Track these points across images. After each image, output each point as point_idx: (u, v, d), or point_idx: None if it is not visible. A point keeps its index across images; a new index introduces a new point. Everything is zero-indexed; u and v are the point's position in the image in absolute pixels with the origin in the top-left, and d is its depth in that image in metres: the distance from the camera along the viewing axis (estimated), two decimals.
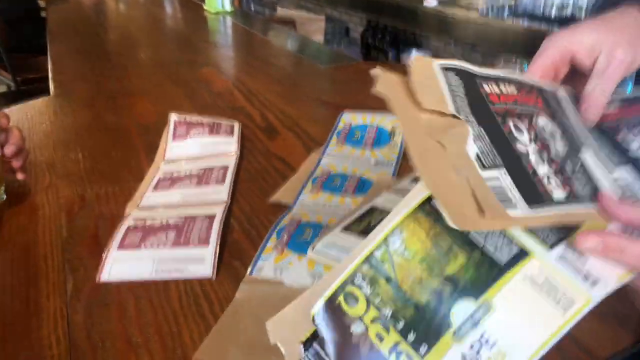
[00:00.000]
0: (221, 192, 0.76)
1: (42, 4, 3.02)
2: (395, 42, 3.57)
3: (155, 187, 0.79)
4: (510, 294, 0.35)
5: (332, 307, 0.39)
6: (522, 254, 0.36)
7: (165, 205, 0.74)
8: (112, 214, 0.73)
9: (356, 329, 0.38)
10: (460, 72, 0.43)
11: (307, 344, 0.39)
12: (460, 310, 0.35)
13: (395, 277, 0.38)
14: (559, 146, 0.43)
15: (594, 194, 0.41)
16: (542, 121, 0.44)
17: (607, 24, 0.50)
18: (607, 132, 0.49)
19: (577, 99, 0.50)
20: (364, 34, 3.79)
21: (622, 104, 0.52)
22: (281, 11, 3.69)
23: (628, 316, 0.52)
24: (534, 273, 0.35)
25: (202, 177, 0.80)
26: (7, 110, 0.96)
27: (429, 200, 0.38)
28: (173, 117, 0.93)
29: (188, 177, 0.81)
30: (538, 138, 0.42)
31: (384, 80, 0.41)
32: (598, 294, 0.34)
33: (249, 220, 0.71)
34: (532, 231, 0.37)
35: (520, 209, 0.37)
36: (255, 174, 0.84)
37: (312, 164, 0.83)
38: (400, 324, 0.36)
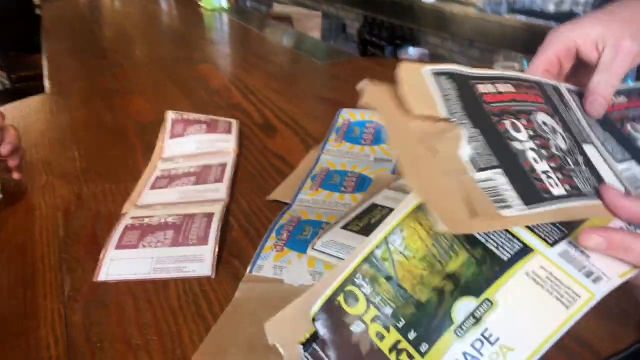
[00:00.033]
0: (220, 190, 0.76)
1: (36, 1, 3.00)
2: (392, 38, 3.56)
3: (153, 186, 0.78)
4: (512, 290, 0.34)
5: (332, 307, 0.39)
6: (524, 251, 0.35)
7: (163, 203, 0.73)
8: (110, 213, 0.72)
9: (356, 328, 0.37)
10: (452, 75, 0.42)
11: (306, 344, 0.39)
12: (462, 307, 0.35)
13: (396, 275, 0.38)
14: (559, 142, 0.42)
15: (597, 187, 0.41)
16: (542, 117, 0.43)
17: (612, 16, 0.49)
18: (613, 124, 0.48)
19: (581, 93, 0.50)
20: (360, 30, 3.78)
21: (628, 95, 0.51)
22: (277, 7, 3.68)
23: (630, 313, 0.51)
24: (536, 269, 0.35)
25: (200, 175, 0.80)
26: (2, 109, 0.95)
27: None
28: (170, 114, 0.93)
29: (186, 175, 0.80)
30: (537, 134, 0.42)
31: (370, 92, 0.40)
32: (601, 290, 0.34)
33: (248, 218, 0.70)
34: (534, 229, 0.36)
35: (515, 208, 0.36)
36: (254, 171, 0.83)
37: (311, 161, 0.83)
38: (401, 323, 0.36)
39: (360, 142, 0.86)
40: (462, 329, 0.34)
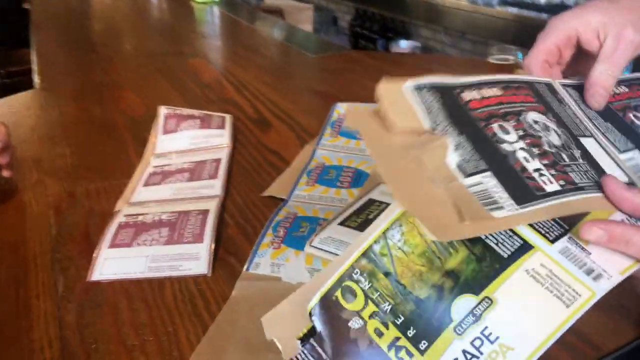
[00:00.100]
0: (214, 187, 0.75)
1: None
2: (384, 30, 3.55)
3: (146, 182, 0.77)
4: (512, 288, 0.34)
5: (329, 302, 0.38)
6: (524, 247, 0.35)
7: (157, 200, 0.72)
8: (103, 211, 0.71)
9: (354, 324, 0.37)
10: (433, 88, 0.42)
11: (304, 339, 0.38)
12: (461, 305, 0.34)
13: (395, 271, 0.37)
14: (553, 138, 0.42)
15: (598, 180, 0.40)
16: (532, 116, 0.43)
17: (614, 4, 0.49)
18: (615, 114, 0.48)
19: (578, 86, 0.49)
20: (352, 22, 3.77)
21: (629, 85, 0.51)
22: (269, 0, 3.65)
23: (630, 308, 0.51)
24: (536, 267, 0.34)
25: (194, 171, 0.79)
26: None
27: None
28: (163, 110, 0.91)
29: (179, 171, 0.79)
30: (527, 134, 0.41)
31: (352, 115, 0.42)
32: (602, 288, 0.34)
33: (244, 215, 0.70)
34: (534, 226, 0.36)
35: (507, 209, 0.36)
36: (249, 167, 0.82)
37: (307, 157, 0.82)
38: (400, 320, 0.36)
39: (356, 136, 0.85)
40: (461, 326, 0.34)
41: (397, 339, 0.35)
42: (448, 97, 0.42)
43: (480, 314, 0.34)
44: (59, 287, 0.58)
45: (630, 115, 0.49)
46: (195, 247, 0.61)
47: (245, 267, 0.59)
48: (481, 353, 0.33)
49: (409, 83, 0.42)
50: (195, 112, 0.93)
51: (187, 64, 1.43)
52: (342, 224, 0.61)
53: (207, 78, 1.30)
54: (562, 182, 0.38)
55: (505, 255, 0.35)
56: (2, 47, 2.73)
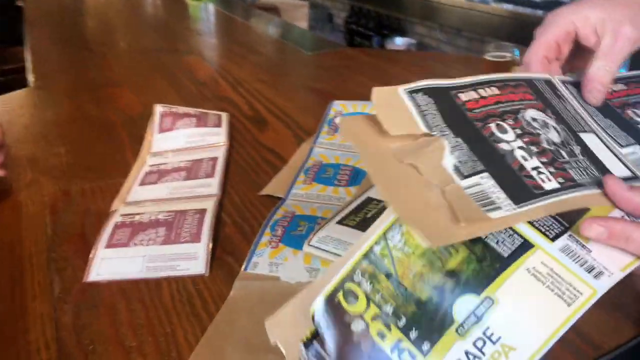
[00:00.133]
0: (211, 185, 0.74)
1: None
2: (379, 27, 3.55)
3: (142, 182, 0.77)
4: (513, 287, 0.34)
5: (332, 305, 0.38)
6: (525, 246, 0.35)
7: (153, 200, 0.72)
8: (99, 210, 0.71)
9: (357, 327, 0.37)
10: (428, 91, 0.42)
11: (307, 343, 0.38)
12: (463, 305, 0.34)
13: (396, 272, 0.37)
14: (552, 135, 0.42)
15: (600, 175, 0.40)
16: (531, 114, 0.43)
17: (610, 0, 0.49)
18: (614, 110, 0.48)
19: (578, 83, 0.49)
20: (347, 19, 3.76)
21: (627, 83, 0.51)
22: None
23: (631, 307, 0.51)
24: (537, 266, 0.34)
25: (191, 170, 0.78)
26: None
27: None
28: (158, 108, 0.91)
29: (176, 170, 0.79)
30: (525, 132, 0.41)
31: (346, 126, 0.41)
32: (603, 285, 0.34)
33: (241, 214, 0.69)
34: (534, 224, 0.36)
35: (505, 209, 0.36)
36: (245, 166, 0.82)
37: (304, 155, 0.81)
38: (402, 321, 0.35)
39: None
40: (463, 327, 0.34)
41: (400, 341, 0.35)
42: (444, 99, 0.42)
43: (482, 314, 0.34)
44: (55, 288, 0.57)
45: (629, 111, 0.49)
46: (192, 246, 0.61)
47: (243, 266, 0.58)
48: (483, 354, 0.33)
49: (404, 87, 0.42)
50: (191, 110, 0.93)
51: (182, 61, 1.42)
52: (340, 222, 0.61)
53: (203, 76, 1.30)
54: (561, 180, 0.38)
55: (506, 255, 0.35)
56: None
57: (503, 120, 0.42)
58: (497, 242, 0.35)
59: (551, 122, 0.43)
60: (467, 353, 0.33)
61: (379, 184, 0.37)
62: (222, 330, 0.51)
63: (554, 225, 0.36)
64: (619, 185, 0.37)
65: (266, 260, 0.58)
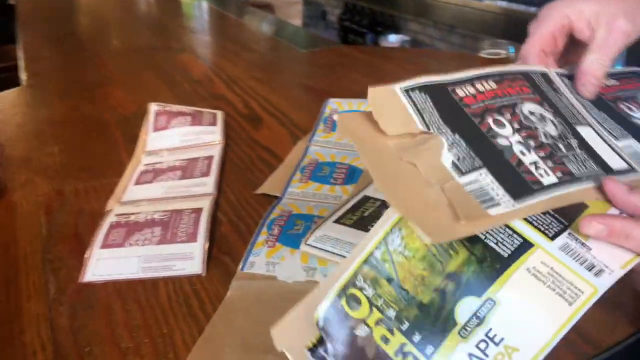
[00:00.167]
0: (207, 184, 0.74)
1: None
2: (373, 24, 3.55)
3: (137, 181, 0.76)
4: (514, 288, 0.34)
5: (335, 311, 0.38)
6: (524, 246, 0.35)
7: (148, 199, 0.71)
8: (94, 210, 0.70)
9: (361, 332, 0.36)
10: (424, 88, 0.42)
11: (313, 349, 0.37)
12: (465, 307, 0.34)
13: (397, 277, 0.37)
14: (549, 128, 0.42)
15: (599, 169, 0.41)
16: (528, 107, 0.43)
17: None
18: (608, 104, 0.48)
19: (573, 76, 0.49)
20: (341, 17, 3.76)
21: (619, 79, 0.52)
22: None
23: (629, 305, 0.51)
24: (537, 265, 0.34)
25: (186, 169, 0.78)
26: None
27: None
28: (153, 106, 0.90)
29: (171, 169, 0.78)
30: (522, 126, 0.41)
31: (344, 123, 0.41)
32: (604, 284, 0.34)
33: (237, 213, 0.69)
34: (533, 223, 0.36)
35: (503, 205, 0.36)
36: (241, 164, 0.81)
37: (299, 153, 0.81)
38: (405, 325, 0.35)
39: None
40: (466, 329, 0.34)
41: (404, 345, 0.35)
42: (441, 96, 0.42)
43: (484, 316, 0.34)
44: (50, 289, 0.57)
45: (622, 105, 0.49)
46: (188, 246, 0.61)
47: (240, 266, 0.58)
48: (487, 355, 0.33)
49: (400, 85, 0.41)
50: (186, 108, 0.92)
51: (176, 59, 1.42)
52: (337, 221, 0.60)
53: (197, 74, 1.29)
54: (559, 174, 0.38)
55: (506, 255, 0.35)
56: None
57: (501, 115, 0.42)
58: (497, 243, 0.35)
59: (548, 115, 0.43)
60: (470, 355, 0.33)
61: (379, 182, 0.37)
62: (220, 330, 0.50)
63: (553, 223, 0.36)
64: (618, 188, 0.37)
65: (263, 259, 0.58)
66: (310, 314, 0.38)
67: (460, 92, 0.42)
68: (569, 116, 0.45)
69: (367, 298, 0.37)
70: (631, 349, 0.48)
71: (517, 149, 0.40)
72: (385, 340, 0.35)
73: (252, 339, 0.49)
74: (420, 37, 3.32)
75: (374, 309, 0.36)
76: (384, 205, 0.62)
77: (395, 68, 1.24)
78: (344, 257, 0.55)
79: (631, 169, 0.41)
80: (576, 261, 0.34)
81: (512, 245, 0.35)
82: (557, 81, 0.48)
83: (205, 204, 0.68)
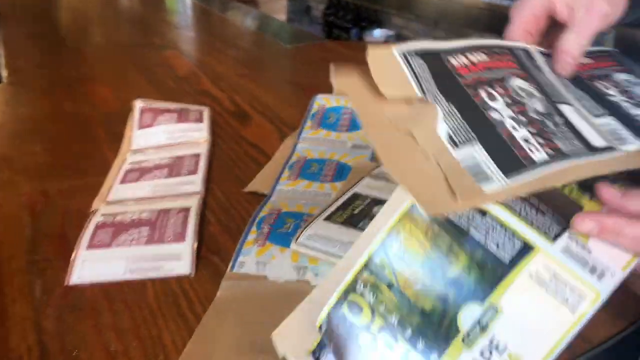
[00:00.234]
0: (194, 183, 0.73)
1: None
2: (357, 20, 3.54)
3: (123, 180, 0.75)
4: (516, 294, 0.34)
5: (338, 317, 0.37)
6: (525, 249, 0.34)
7: (135, 199, 0.70)
8: (79, 210, 0.69)
9: (364, 338, 0.36)
10: (422, 53, 0.42)
11: (315, 354, 0.37)
12: (467, 314, 0.34)
13: (397, 282, 0.36)
14: (536, 105, 0.42)
15: (583, 146, 0.41)
16: (517, 82, 0.43)
17: None
18: (585, 82, 0.49)
19: (550, 53, 0.50)
20: (325, 12, 3.74)
21: (594, 57, 0.52)
22: None
23: (622, 302, 0.51)
24: (539, 270, 0.34)
25: (173, 167, 0.77)
26: None
27: None
28: (138, 103, 0.89)
29: (157, 167, 0.77)
30: (513, 101, 0.41)
31: (341, 79, 0.40)
32: (606, 288, 0.34)
33: (226, 211, 0.68)
34: (534, 224, 0.35)
35: (497, 181, 0.35)
36: (229, 162, 0.80)
37: (288, 150, 0.80)
38: (408, 332, 0.35)
39: (336, 128, 0.84)
40: (469, 337, 0.33)
41: (408, 351, 0.34)
42: (437, 64, 0.41)
43: (487, 323, 0.33)
44: (36, 291, 0.56)
45: (597, 84, 0.50)
46: (177, 246, 0.60)
47: (229, 266, 0.57)
48: None
49: (398, 48, 0.41)
50: (172, 105, 0.91)
51: (159, 55, 1.40)
52: (327, 219, 0.60)
53: (182, 70, 1.27)
54: (549, 151, 0.38)
55: (507, 260, 0.34)
56: None
57: (492, 88, 0.41)
58: (498, 247, 0.35)
59: (535, 92, 0.44)
60: None
61: (376, 146, 0.36)
62: (210, 332, 0.50)
63: (553, 225, 0.36)
64: (611, 192, 0.37)
65: (253, 259, 0.58)
66: (310, 318, 0.38)
67: (454, 61, 0.42)
68: (551, 94, 0.45)
69: (369, 304, 0.36)
70: (623, 342, 0.48)
71: (509, 123, 0.40)
72: (389, 347, 0.35)
73: (244, 340, 0.48)
74: (404, 32, 3.32)
75: (376, 316, 0.36)
76: (374, 203, 0.62)
77: None
78: (335, 255, 0.55)
79: (611, 147, 0.42)
80: (578, 264, 0.34)
81: (512, 249, 0.35)
82: (538, 58, 0.49)
83: (193, 203, 0.67)
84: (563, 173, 0.37)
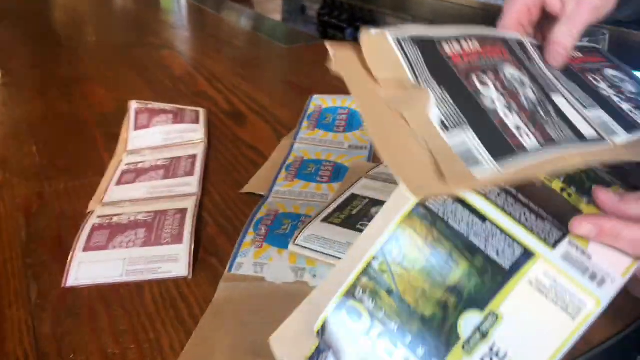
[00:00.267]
0: (191, 184, 0.72)
1: None
2: (352, 19, 3.53)
3: (119, 181, 0.75)
4: (517, 302, 0.33)
5: (337, 323, 0.37)
6: (526, 256, 0.34)
7: (131, 200, 0.70)
8: (75, 212, 0.68)
9: (363, 345, 0.35)
10: (416, 39, 0.41)
11: (312, 359, 0.37)
12: (467, 321, 0.34)
13: (397, 288, 0.36)
14: (529, 93, 0.43)
15: (574, 135, 0.41)
16: (509, 71, 0.44)
17: None
18: (576, 75, 0.50)
19: (542, 45, 0.50)
20: (320, 12, 3.74)
21: (584, 52, 0.53)
22: None
23: (621, 303, 0.51)
24: (540, 277, 0.34)
25: (169, 168, 0.76)
26: None
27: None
28: (133, 104, 0.88)
29: (154, 168, 0.77)
30: (506, 89, 0.42)
31: (338, 58, 0.40)
32: (606, 295, 0.33)
33: (223, 213, 0.68)
34: (534, 230, 0.35)
35: (487, 166, 0.35)
36: (225, 163, 0.80)
37: (284, 151, 0.80)
38: (408, 339, 0.34)
39: (333, 129, 0.84)
40: (469, 344, 0.33)
41: (408, 358, 0.34)
42: (430, 49, 0.41)
43: (487, 330, 0.33)
44: (32, 295, 0.55)
45: (589, 76, 0.50)
46: (174, 248, 0.59)
47: (227, 267, 0.57)
48: None
49: (392, 33, 0.41)
50: (168, 106, 0.90)
51: (155, 55, 1.39)
52: (325, 220, 0.60)
53: (178, 71, 1.27)
54: (540, 139, 0.39)
55: (507, 267, 0.34)
56: None
57: (485, 75, 0.42)
58: (498, 253, 0.35)
59: (527, 80, 0.44)
60: None
61: (370, 127, 0.36)
62: (208, 334, 0.49)
63: (553, 231, 0.35)
64: (608, 197, 0.37)
65: (250, 260, 0.57)
66: (309, 323, 0.37)
67: (447, 48, 0.42)
68: (543, 84, 0.45)
69: (368, 310, 0.36)
70: (622, 342, 0.48)
71: (501, 110, 0.40)
72: (389, 353, 0.35)
73: (242, 342, 0.48)
74: None
75: (376, 322, 0.36)
76: (372, 204, 0.62)
77: None
78: (333, 256, 0.55)
79: (601, 138, 0.42)
80: (578, 270, 0.34)
81: (512, 256, 0.35)
82: (531, 49, 0.49)
83: (190, 204, 0.67)
84: (554, 161, 0.37)
